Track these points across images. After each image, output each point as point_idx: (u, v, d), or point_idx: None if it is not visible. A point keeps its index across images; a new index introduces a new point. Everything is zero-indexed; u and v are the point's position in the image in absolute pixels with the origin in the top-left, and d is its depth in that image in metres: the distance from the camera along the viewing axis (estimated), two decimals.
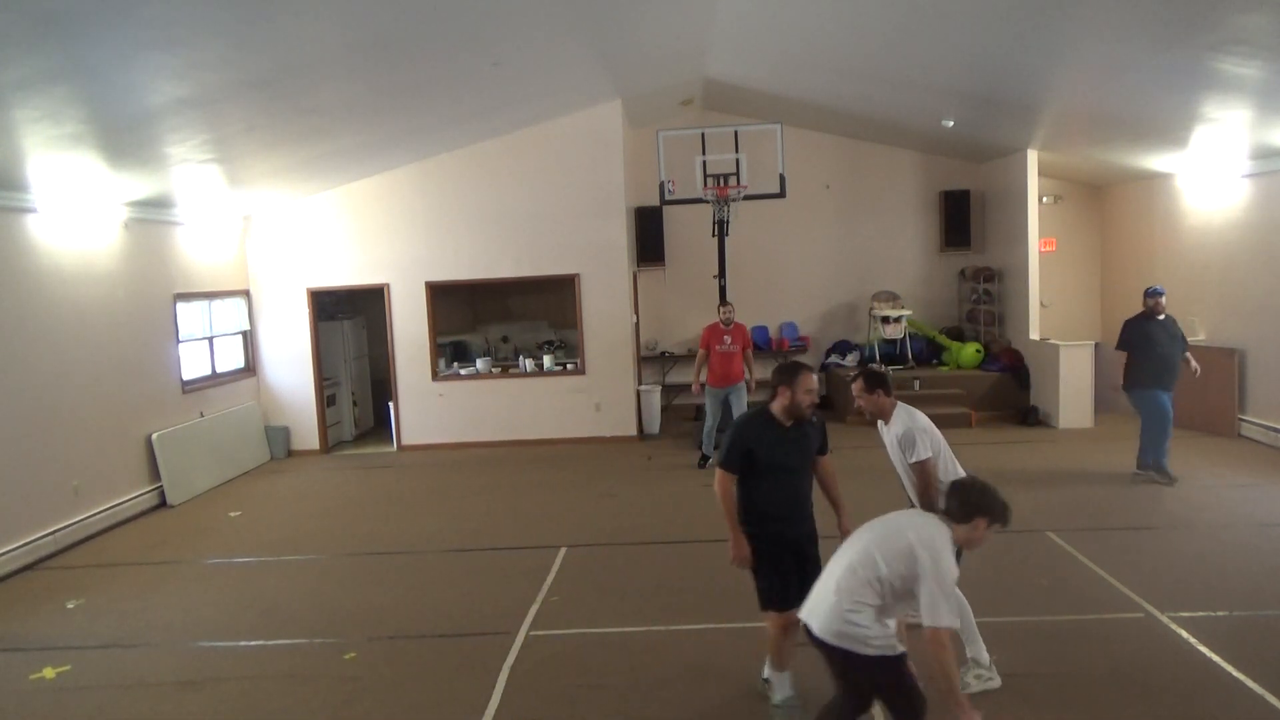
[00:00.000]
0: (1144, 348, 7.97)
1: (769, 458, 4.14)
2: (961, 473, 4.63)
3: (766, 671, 4.40)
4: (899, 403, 4.60)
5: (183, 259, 9.77)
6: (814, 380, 4.19)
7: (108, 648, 5.48)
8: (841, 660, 3.41)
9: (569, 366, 11.34)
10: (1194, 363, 8.13)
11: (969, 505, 3.35)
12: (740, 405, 9.17)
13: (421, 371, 11.16)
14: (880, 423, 4.67)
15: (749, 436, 4.17)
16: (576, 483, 9.08)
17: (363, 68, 6.78)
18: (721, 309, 9.40)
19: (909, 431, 4.48)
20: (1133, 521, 6.91)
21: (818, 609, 3.47)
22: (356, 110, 7.95)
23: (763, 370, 12.85)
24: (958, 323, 12.93)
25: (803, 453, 4.25)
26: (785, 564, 4.21)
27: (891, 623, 3.43)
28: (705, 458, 9.41)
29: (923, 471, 4.47)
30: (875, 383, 4.59)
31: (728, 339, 9.18)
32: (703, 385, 9.41)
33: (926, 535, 3.32)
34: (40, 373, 7.52)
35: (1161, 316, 8.03)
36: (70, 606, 6.21)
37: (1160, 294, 8.07)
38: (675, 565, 6.45)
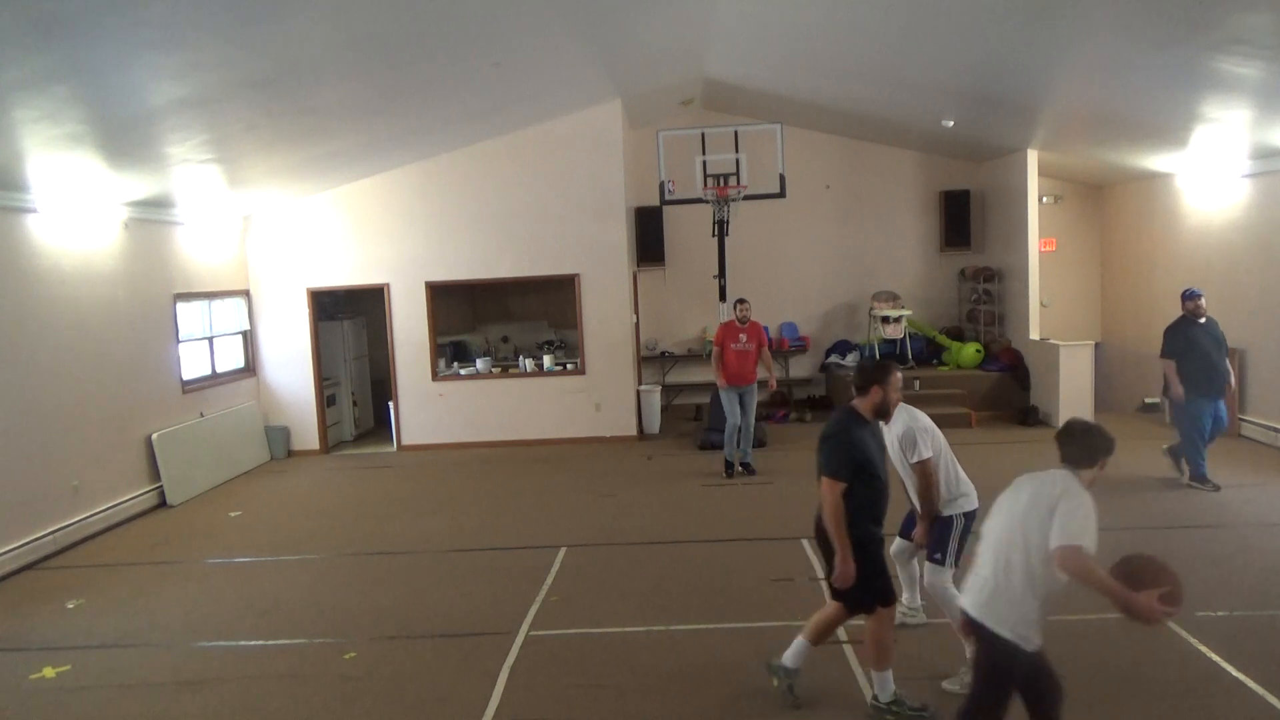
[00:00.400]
0: (1188, 354, 7.64)
1: (865, 459, 4.02)
2: (962, 473, 4.63)
3: (878, 688, 4.20)
4: (900, 402, 4.61)
5: (183, 259, 9.77)
6: (901, 376, 4.21)
7: (108, 648, 5.48)
8: (990, 644, 3.36)
9: (569, 366, 11.34)
10: (1233, 373, 7.84)
11: (1092, 449, 3.38)
12: (753, 405, 9.04)
13: (421, 371, 11.16)
14: (881, 425, 4.67)
15: (857, 441, 4.01)
16: (576, 483, 9.08)
17: (363, 68, 6.78)
18: (738, 306, 9.12)
19: (910, 431, 4.48)
20: (1133, 522, 6.90)
21: (980, 593, 3.38)
22: (356, 110, 7.95)
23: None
24: (958, 323, 12.93)
25: (882, 450, 4.23)
26: (884, 559, 4.18)
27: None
28: (732, 465, 9.00)
29: (924, 471, 4.47)
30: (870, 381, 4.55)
31: (743, 337, 8.94)
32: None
33: (1062, 489, 3.29)
34: (40, 373, 7.52)
35: (1203, 320, 7.71)
36: (70, 606, 6.21)
37: (1198, 296, 7.75)
38: (675, 565, 6.45)
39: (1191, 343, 7.65)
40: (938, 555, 4.53)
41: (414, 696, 4.63)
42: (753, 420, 9.10)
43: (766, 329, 12.71)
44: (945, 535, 4.53)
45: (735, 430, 8.94)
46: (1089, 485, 3.37)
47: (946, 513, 4.54)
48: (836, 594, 4.18)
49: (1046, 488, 3.34)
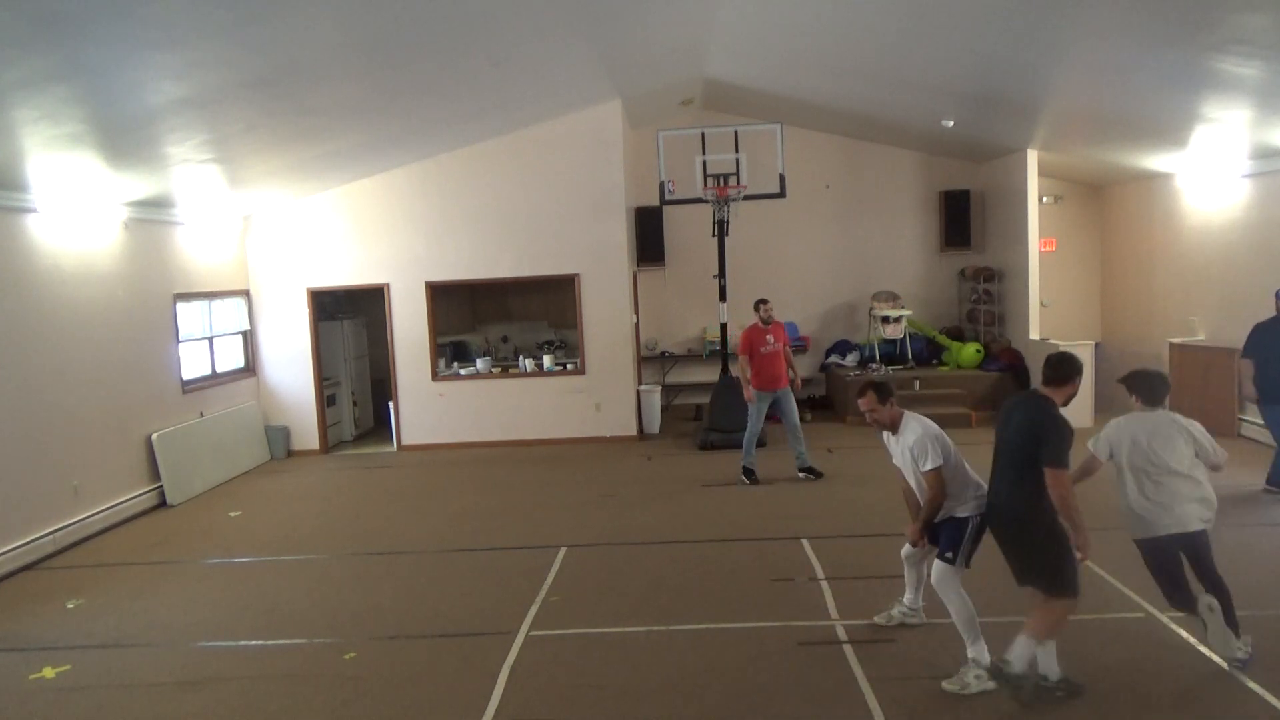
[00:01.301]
0: (1265, 356, 7.40)
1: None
2: (973, 474, 4.65)
3: (1042, 664, 4.23)
4: (905, 411, 4.65)
5: (183, 259, 9.77)
6: None
7: (108, 648, 5.48)
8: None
9: (569, 366, 11.34)
10: None
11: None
12: (793, 405, 8.63)
13: (421, 371, 11.16)
14: (887, 434, 4.70)
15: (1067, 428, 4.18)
16: (576, 483, 9.08)
17: (363, 68, 6.78)
18: (761, 307, 8.67)
19: (921, 440, 4.51)
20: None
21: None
22: (356, 110, 7.95)
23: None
24: (958, 323, 12.93)
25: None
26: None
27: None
28: (754, 472, 8.65)
29: (935, 479, 4.48)
30: (887, 393, 4.66)
31: (770, 338, 8.54)
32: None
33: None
34: (40, 372, 7.52)
35: None
36: (70, 606, 6.21)
37: None
38: (675, 565, 6.45)
39: (1267, 345, 7.37)
40: (949, 555, 4.53)
41: (414, 696, 4.63)
42: (797, 419, 8.68)
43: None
44: (959, 536, 4.51)
45: (755, 438, 8.70)
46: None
47: (961, 514, 4.54)
48: (1051, 585, 4.22)
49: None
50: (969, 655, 4.43)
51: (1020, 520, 4.29)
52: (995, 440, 4.49)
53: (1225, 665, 4.43)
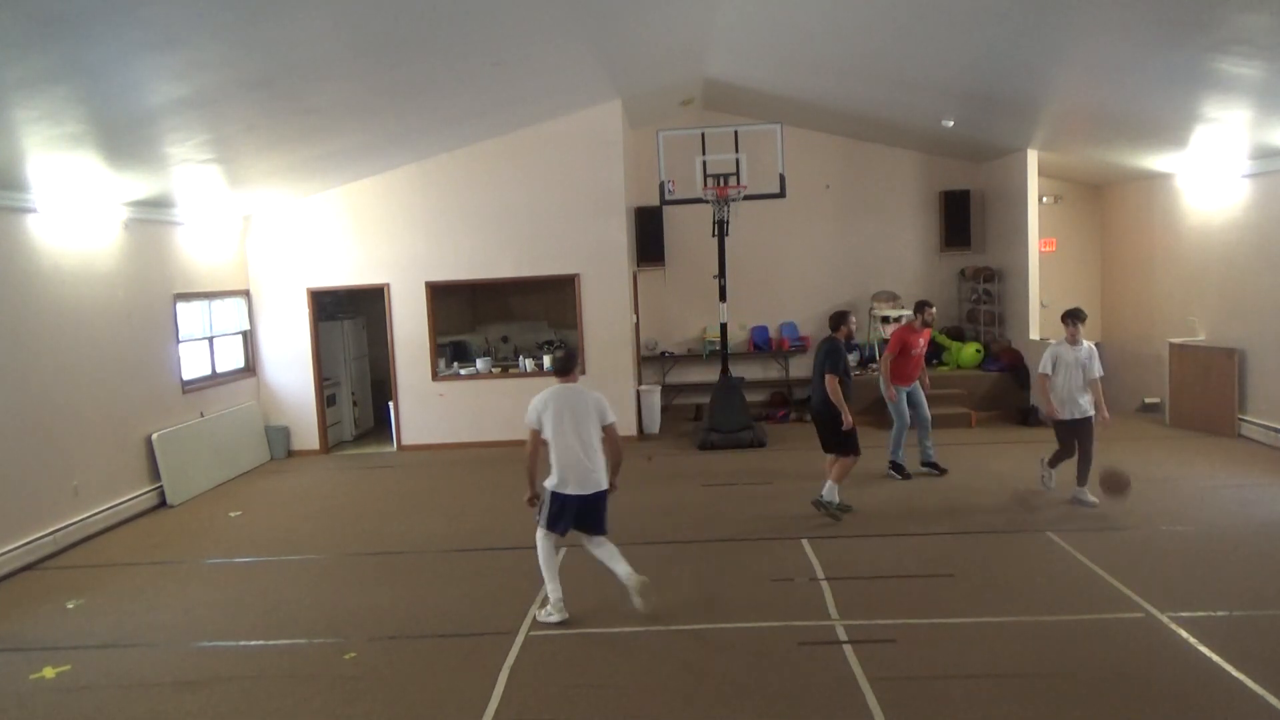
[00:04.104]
0: None
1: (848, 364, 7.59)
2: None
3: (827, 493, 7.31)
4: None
5: (183, 259, 9.77)
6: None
7: (108, 648, 5.48)
8: None
9: None
10: None
11: (833, 322, 7.50)
12: (923, 400, 8.61)
13: (421, 371, 11.16)
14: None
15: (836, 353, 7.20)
16: None
17: (363, 68, 6.78)
18: (926, 310, 8.65)
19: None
20: (1133, 521, 6.91)
21: None
22: (356, 110, 7.95)
23: (764, 369, 12.90)
24: (958, 323, 12.93)
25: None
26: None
27: None
28: (903, 466, 8.53)
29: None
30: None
31: (922, 342, 8.57)
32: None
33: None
34: (40, 372, 7.52)
35: None
36: (70, 606, 6.21)
37: None
38: (675, 565, 6.45)
39: None
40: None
41: (414, 696, 4.63)
42: (928, 413, 8.63)
43: (767, 329, 12.79)
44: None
45: (904, 432, 8.54)
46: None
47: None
48: (841, 450, 7.34)
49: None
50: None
51: (818, 412, 7.43)
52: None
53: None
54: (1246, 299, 9.46)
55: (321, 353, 11.37)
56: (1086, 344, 7.34)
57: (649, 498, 8.39)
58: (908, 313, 12.13)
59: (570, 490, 5.37)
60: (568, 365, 5.65)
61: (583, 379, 11.04)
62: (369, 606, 5.91)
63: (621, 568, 5.43)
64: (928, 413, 8.65)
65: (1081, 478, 7.36)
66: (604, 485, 5.45)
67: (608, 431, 5.47)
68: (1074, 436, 7.42)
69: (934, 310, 8.82)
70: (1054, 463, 7.72)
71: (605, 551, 5.49)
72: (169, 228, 9.54)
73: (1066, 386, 7.31)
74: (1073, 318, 7.39)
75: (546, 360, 11.41)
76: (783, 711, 4.29)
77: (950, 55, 8.09)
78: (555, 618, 5.41)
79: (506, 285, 11.97)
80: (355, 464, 10.74)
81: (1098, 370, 7.35)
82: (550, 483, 5.44)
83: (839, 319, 7.55)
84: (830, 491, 7.33)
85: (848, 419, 7.19)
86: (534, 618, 5.51)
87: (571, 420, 5.39)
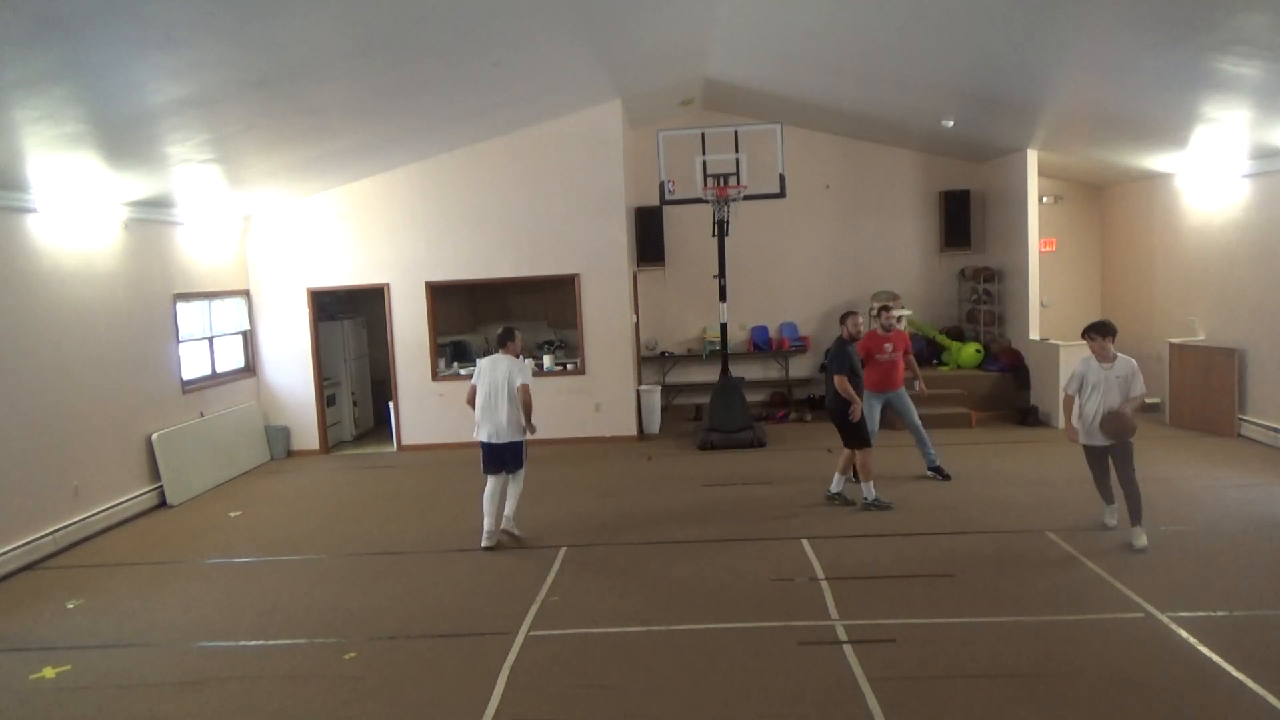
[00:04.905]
0: None
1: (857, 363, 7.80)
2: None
3: (866, 492, 7.57)
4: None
5: (183, 259, 9.77)
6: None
7: (108, 648, 5.48)
8: None
9: (569, 366, 11.34)
10: None
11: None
12: (907, 405, 8.46)
13: (421, 371, 11.16)
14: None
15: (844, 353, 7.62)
16: (576, 483, 9.08)
17: (363, 68, 6.78)
18: (883, 314, 8.56)
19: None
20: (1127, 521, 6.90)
21: None
22: (356, 110, 7.95)
23: (764, 370, 12.89)
24: (958, 323, 12.93)
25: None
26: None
27: None
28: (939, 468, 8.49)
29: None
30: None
31: (888, 346, 8.36)
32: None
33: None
34: (40, 373, 7.52)
35: None
36: (70, 606, 6.22)
37: None
38: (675, 565, 6.45)
39: None
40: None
41: (414, 696, 4.64)
42: (917, 419, 8.48)
43: (767, 329, 12.79)
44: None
45: (875, 436, 8.17)
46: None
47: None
48: (855, 443, 7.49)
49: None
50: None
51: (832, 409, 7.60)
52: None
53: None
54: (1246, 299, 9.46)
55: (321, 353, 11.37)
56: (1123, 359, 6.42)
57: (649, 498, 8.39)
58: (909, 312, 12.14)
59: (483, 437, 7.06)
60: (502, 339, 7.16)
61: (582, 379, 11.18)
62: (369, 606, 5.92)
63: (509, 507, 7.17)
64: (916, 419, 8.48)
65: (1134, 515, 6.29)
66: (512, 437, 7.01)
67: (520, 391, 6.92)
68: (1102, 463, 6.53)
69: (892, 314, 8.58)
70: (1105, 497, 6.72)
71: (512, 489, 7.20)
72: (169, 228, 9.54)
73: (1097, 409, 6.31)
74: (1096, 332, 6.47)
75: (547, 360, 11.42)
76: (783, 711, 4.29)
77: (950, 55, 8.09)
78: (484, 544, 6.95)
79: (506, 285, 11.97)
80: (355, 464, 10.74)
81: (1140, 389, 6.32)
82: (475, 432, 7.10)
83: (841, 318, 7.81)
84: (868, 490, 7.50)
85: (856, 411, 7.29)
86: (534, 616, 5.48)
87: (487, 383, 7.02)
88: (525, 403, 6.95)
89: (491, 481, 7.14)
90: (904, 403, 8.48)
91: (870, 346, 8.35)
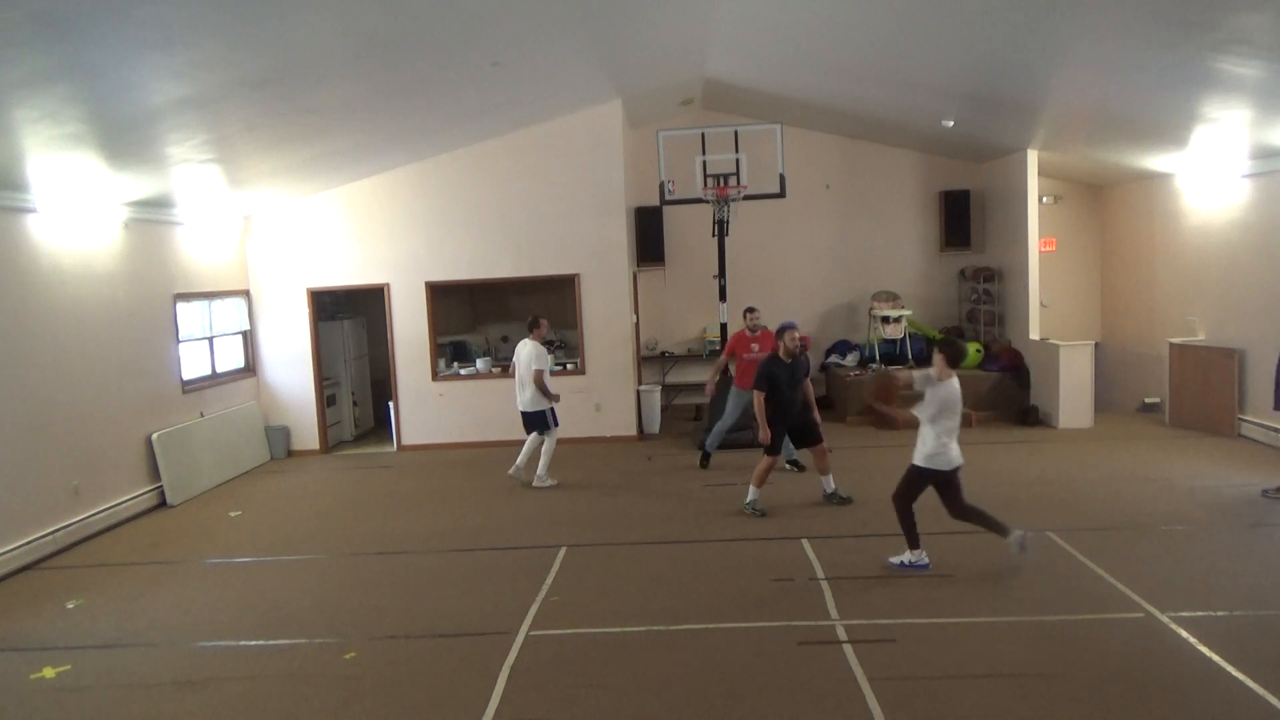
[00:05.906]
0: None
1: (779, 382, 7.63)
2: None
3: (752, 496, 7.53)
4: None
5: (183, 259, 9.77)
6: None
7: (108, 648, 5.48)
8: None
9: (569, 366, 11.34)
10: None
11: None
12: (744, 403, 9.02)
13: (421, 371, 11.16)
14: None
15: (777, 372, 7.60)
16: (576, 483, 9.08)
17: (363, 68, 6.78)
18: (748, 315, 9.16)
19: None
20: (1133, 521, 6.91)
21: None
22: (356, 110, 7.95)
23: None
24: (958, 323, 12.93)
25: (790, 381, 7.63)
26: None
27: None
28: (707, 455, 9.42)
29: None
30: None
31: (755, 346, 8.92)
32: (717, 384, 9.37)
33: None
34: (40, 372, 7.52)
35: None
36: (70, 606, 6.22)
37: None
38: (675, 565, 6.45)
39: None
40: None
41: (414, 696, 4.64)
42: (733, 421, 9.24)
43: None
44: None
45: (725, 431, 9.30)
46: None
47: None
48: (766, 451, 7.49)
49: None
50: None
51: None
52: None
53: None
54: (1246, 299, 9.46)
55: (321, 353, 11.37)
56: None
57: (649, 497, 8.39)
58: (909, 312, 12.15)
59: (519, 406, 8.80)
60: (530, 326, 8.77)
61: (582, 379, 11.19)
62: (369, 606, 5.92)
63: (541, 465, 8.82)
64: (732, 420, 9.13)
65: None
66: (531, 407, 8.69)
67: (531, 374, 8.56)
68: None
69: (757, 314, 9.15)
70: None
71: (545, 447, 8.85)
72: (169, 228, 9.54)
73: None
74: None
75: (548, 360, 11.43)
76: (783, 711, 4.29)
77: (951, 55, 8.09)
78: (509, 471, 8.97)
79: (506, 285, 11.97)
80: (355, 464, 10.74)
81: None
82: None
83: (777, 334, 7.81)
84: (753, 493, 7.59)
85: (764, 435, 7.49)
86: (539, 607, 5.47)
87: (515, 363, 8.84)
88: (536, 382, 8.55)
89: (530, 439, 8.96)
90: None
91: (736, 347, 9.09)
